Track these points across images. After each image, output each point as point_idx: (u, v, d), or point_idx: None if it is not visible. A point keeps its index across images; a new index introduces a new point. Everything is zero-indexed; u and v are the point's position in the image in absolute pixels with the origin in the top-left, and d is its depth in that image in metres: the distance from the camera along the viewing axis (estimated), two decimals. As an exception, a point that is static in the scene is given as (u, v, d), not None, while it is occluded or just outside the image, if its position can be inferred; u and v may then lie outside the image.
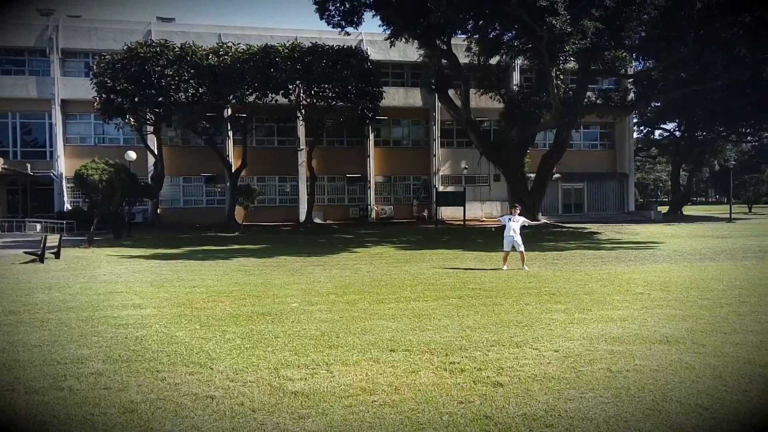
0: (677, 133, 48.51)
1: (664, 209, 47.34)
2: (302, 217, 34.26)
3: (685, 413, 4.19)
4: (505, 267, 13.23)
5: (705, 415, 4.15)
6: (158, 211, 33.17)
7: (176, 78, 27.42)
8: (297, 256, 16.93)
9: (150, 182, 31.28)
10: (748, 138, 52.09)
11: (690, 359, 5.55)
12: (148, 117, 30.02)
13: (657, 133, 51.63)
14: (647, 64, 32.55)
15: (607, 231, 27.66)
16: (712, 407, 4.30)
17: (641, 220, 36.46)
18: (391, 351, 5.99)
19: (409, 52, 34.26)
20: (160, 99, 27.78)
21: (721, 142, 52.01)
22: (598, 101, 31.48)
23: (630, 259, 15.49)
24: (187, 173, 35.49)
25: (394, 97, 36.04)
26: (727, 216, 39.39)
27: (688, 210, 52.38)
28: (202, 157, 34.15)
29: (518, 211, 14.12)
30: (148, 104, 28.30)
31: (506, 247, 13.58)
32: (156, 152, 31.53)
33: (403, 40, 28.11)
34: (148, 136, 31.79)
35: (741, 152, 74.15)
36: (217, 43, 29.87)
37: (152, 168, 33.06)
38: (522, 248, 13.43)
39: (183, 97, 28.03)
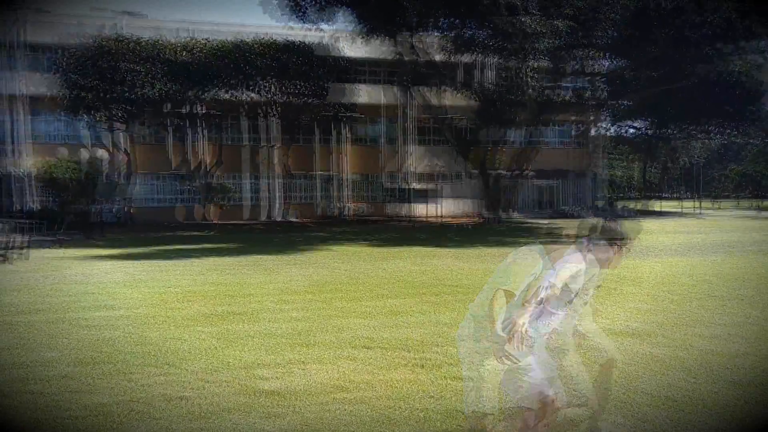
0: (648, 131, 49.42)
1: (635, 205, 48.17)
2: (277, 215, 34.01)
3: (655, 405, 4.27)
4: None
5: (674, 406, 4.24)
6: (130, 210, 32.56)
7: (147, 74, 26.93)
8: (272, 254, 16.80)
9: (121, 180, 30.69)
10: (716, 136, 53.31)
11: (660, 352, 5.66)
12: (117, 114, 29.41)
13: (629, 131, 52.54)
14: (619, 64, 33.10)
15: (580, 227, 28.04)
16: (681, 399, 4.39)
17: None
18: (366, 348, 5.98)
19: (383, 49, 34.23)
20: (131, 96, 27.25)
21: (689, 139, 53.17)
22: (570, 100, 31.90)
23: (602, 254, 15.71)
24: (159, 171, 34.89)
25: (369, 94, 35.99)
26: (696, 212, 40.30)
27: (658, 206, 53.44)
28: (174, 155, 33.62)
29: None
30: (118, 101, 27.71)
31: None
32: (126, 150, 30.94)
33: (378, 37, 28.07)
34: (118, 133, 31.17)
35: (710, 150, 75.94)
36: (189, 38, 29.43)
37: (123, 166, 32.43)
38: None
39: (154, 93, 27.54)
